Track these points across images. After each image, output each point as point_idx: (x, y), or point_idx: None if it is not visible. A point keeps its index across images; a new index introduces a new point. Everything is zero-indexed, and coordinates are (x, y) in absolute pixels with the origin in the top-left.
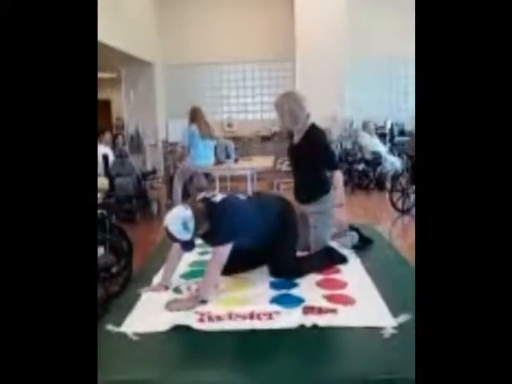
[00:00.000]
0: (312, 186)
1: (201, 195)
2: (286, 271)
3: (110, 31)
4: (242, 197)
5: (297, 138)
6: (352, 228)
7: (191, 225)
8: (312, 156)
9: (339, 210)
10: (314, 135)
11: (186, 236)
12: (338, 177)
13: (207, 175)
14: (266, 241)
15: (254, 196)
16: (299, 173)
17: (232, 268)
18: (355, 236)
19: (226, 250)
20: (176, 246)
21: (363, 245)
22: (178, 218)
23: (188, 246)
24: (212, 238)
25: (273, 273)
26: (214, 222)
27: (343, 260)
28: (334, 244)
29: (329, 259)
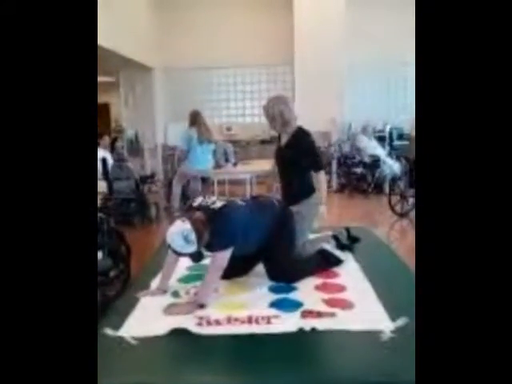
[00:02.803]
0: (296, 189)
1: (197, 201)
2: (285, 275)
3: (108, 35)
4: (239, 202)
5: (284, 141)
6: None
7: (192, 237)
8: (298, 158)
9: (326, 212)
10: (301, 137)
11: (191, 248)
12: (322, 177)
13: (204, 179)
14: (265, 245)
15: (252, 200)
16: (285, 175)
17: (230, 272)
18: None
19: (226, 255)
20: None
21: (352, 243)
22: (178, 234)
23: (196, 257)
24: (212, 244)
25: (271, 277)
26: (215, 228)
27: (338, 262)
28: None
29: (324, 262)
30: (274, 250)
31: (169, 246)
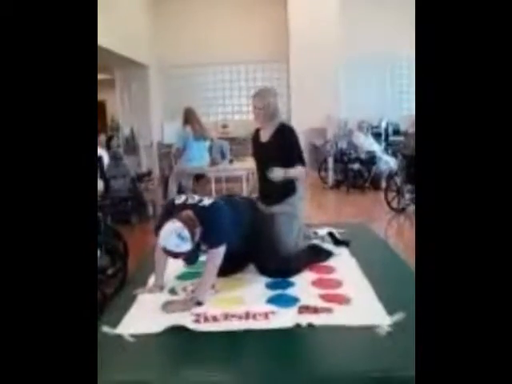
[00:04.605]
0: (278, 187)
1: (181, 199)
2: (274, 270)
3: (104, 33)
4: (219, 200)
5: (265, 137)
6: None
7: (186, 233)
8: (282, 154)
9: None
10: (285, 133)
11: (186, 246)
12: (302, 172)
13: (198, 177)
14: (249, 241)
15: (227, 198)
16: (266, 173)
17: (225, 270)
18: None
19: (221, 251)
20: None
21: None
22: (171, 233)
23: (191, 258)
24: (207, 241)
25: (261, 272)
26: (208, 225)
27: (329, 255)
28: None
29: (315, 256)
30: (259, 246)
31: (164, 250)
